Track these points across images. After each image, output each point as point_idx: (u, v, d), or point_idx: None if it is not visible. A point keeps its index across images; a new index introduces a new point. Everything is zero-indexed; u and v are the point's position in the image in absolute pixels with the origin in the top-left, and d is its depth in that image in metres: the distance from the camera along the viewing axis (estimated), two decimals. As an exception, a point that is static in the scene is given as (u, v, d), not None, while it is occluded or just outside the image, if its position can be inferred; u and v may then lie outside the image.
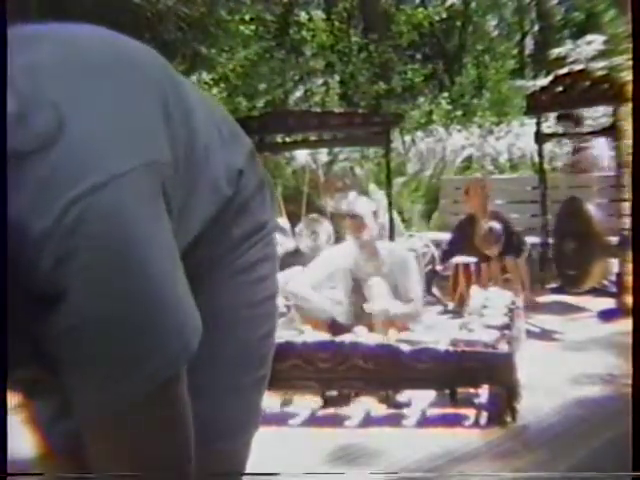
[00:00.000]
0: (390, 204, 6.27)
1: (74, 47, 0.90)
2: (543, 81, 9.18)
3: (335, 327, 4.07)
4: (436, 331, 3.91)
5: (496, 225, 5.81)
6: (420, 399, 3.59)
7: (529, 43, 16.68)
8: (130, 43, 0.99)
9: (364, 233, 4.20)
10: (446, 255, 6.24)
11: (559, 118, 7.33)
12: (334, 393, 3.66)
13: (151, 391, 0.85)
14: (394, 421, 3.45)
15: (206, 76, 10.82)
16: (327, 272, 4.19)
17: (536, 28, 16.56)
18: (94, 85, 0.86)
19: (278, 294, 1.21)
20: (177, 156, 0.92)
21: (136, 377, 0.83)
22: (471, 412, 3.48)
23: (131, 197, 0.81)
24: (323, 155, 9.48)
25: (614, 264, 5.69)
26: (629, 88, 4.28)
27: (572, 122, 7.11)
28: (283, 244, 6.36)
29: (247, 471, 1.17)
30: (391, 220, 6.17)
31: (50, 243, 0.77)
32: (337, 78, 13.36)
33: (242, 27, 10.88)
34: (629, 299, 4.51)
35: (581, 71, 7.07)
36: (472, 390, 3.61)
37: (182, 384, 0.90)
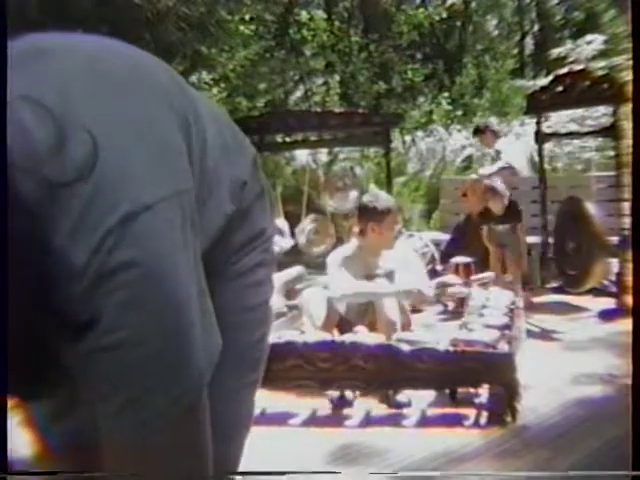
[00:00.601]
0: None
1: (101, 66, 0.90)
2: (543, 81, 9.19)
3: (343, 324, 4.06)
4: (436, 331, 3.92)
5: (496, 182, 5.93)
6: (420, 398, 3.59)
7: (529, 43, 16.68)
8: (149, 61, 0.99)
9: (397, 228, 4.16)
10: (446, 255, 6.25)
11: (475, 132, 7.45)
12: (337, 394, 3.66)
13: (176, 413, 0.86)
14: (394, 421, 3.45)
15: (206, 76, 10.82)
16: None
17: (536, 28, 16.56)
18: (122, 108, 0.87)
19: (272, 299, 1.22)
20: (194, 178, 0.94)
21: (162, 400, 0.85)
22: (471, 412, 3.48)
23: (161, 225, 0.83)
24: (323, 155, 9.49)
25: (614, 264, 5.69)
26: (629, 88, 4.27)
27: (487, 134, 7.16)
28: (283, 244, 6.36)
29: (245, 471, 1.18)
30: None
31: (87, 273, 0.79)
32: (337, 78, 13.36)
33: (242, 27, 10.88)
34: (629, 299, 4.51)
35: (581, 71, 7.05)
36: (472, 390, 3.61)
37: (204, 406, 0.91)
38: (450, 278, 4.71)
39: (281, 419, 3.44)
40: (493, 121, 8.45)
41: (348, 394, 3.66)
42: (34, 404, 1.11)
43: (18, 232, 0.78)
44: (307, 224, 7.41)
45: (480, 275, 5.08)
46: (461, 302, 4.55)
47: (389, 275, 4.08)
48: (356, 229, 4.31)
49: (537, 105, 6.58)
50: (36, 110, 0.80)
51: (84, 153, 0.80)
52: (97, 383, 0.84)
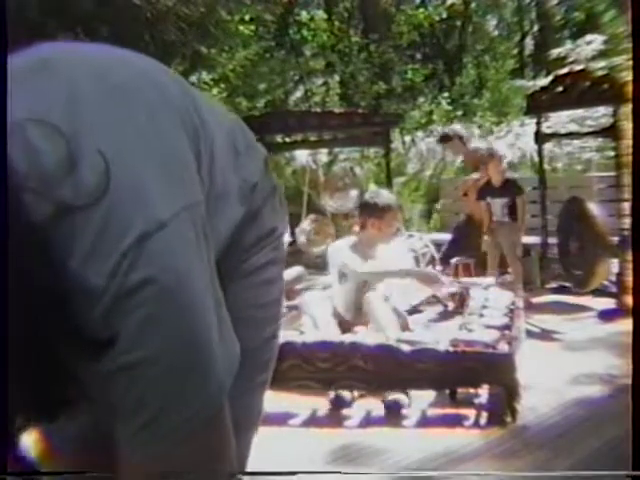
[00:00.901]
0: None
1: (108, 78, 0.89)
2: (543, 81, 9.19)
3: (342, 324, 4.07)
4: (436, 331, 3.92)
5: (495, 145, 5.99)
6: (419, 398, 3.59)
7: (529, 43, 16.69)
8: (158, 71, 0.99)
9: (395, 224, 4.23)
10: (446, 255, 6.25)
11: (441, 139, 7.45)
12: (336, 395, 3.66)
13: (196, 427, 0.86)
14: (394, 421, 3.45)
15: (206, 76, 10.82)
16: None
17: (536, 28, 16.57)
18: (132, 124, 0.86)
19: (283, 298, 1.22)
20: (202, 186, 0.94)
21: (182, 415, 0.84)
22: (471, 412, 3.48)
23: (175, 241, 0.83)
24: (323, 155, 9.49)
25: (614, 264, 5.69)
26: (629, 88, 4.27)
27: (455, 141, 7.17)
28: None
29: (252, 471, 1.18)
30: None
31: (105, 296, 0.79)
32: (337, 78, 13.37)
33: (242, 27, 10.89)
34: (629, 299, 4.51)
35: (581, 71, 7.06)
36: (472, 390, 3.61)
37: (224, 416, 0.91)
38: (443, 276, 4.74)
39: (281, 419, 3.44)
40: (459, 127, 8.40)
41: (348, 394, 3.66)
42: (50, 426, 1.11)
43: (33, 255, 0.78)
44: (307, 224, 7.41)
45: (479, 279, 5.08)
46: (461, 302, 4.56)
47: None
48: (357, 224, 4.47)
49: (537, 105, 6.58)
50: (44, 130, 0.80)
51: (96, 175, 0.80)
52: (116, 403, 0.84)
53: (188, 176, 0.89)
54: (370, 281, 4.09)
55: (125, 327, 0.80)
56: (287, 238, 6.71)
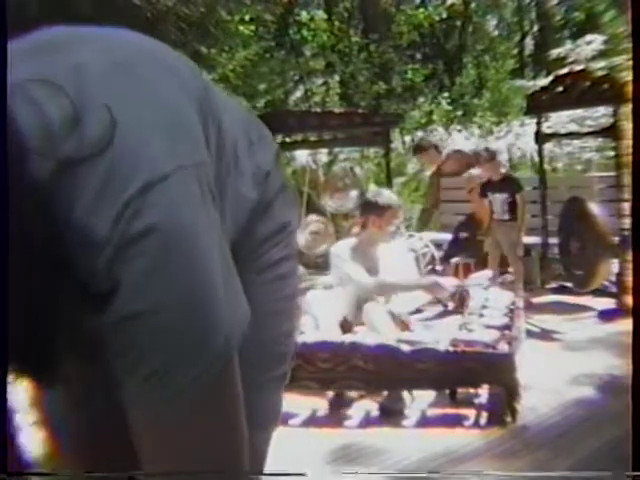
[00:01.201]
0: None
1: (117, 50, 0.91)
2: (543, 81, 9.19)
3: (343, 324, 4.07)
4: (436, 331, 3.91)
5: (492, 145, 5.97)
6: (420, 398, 3.59)
7: (529, 43, 16.69)
8: (164, 47, 1.00)
9: (396, 223, 4.25)
10: (446, 255, 6.25)
11: (415, 150, 7.44)
12: (336, 395, 3.66)
13: (204, 381, 0.85)
14: (394, 421, 3.45)
15: (206, 76, 10.81)
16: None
17: (536, 28, 16.57)
18: (138, 85, 0.88)
19: (299, 293, 1.22)
20: (211, 158, 0.94)
21: (187, 368, 0.84)
22: (471, 412, 3.48)
23: (179, 193, 0.84)
24: (323, 155, 9.48)
25: (614, 264, 5.69)
26: (629, 88, 4.27)
27: (430, 151, 7.18)
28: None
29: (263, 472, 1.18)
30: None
31: (108, 245, 0.80)
32: (337, 78, 13.37)
33: (242, 27, 10.89)
34: (629, 299, 4.51)
35: (581, 71, 7.05)
36: (472, 390, 3.61)
37: (233, 372, 0.90)
38: (444, 280, 4.74)
39: (281, 419, 3.43)
40: (434, 136, 8.36)
41: (348, 394, 3.66)
42: (51, 390, 1.10)
43: (35, 214, 0.78)
44: (307, 224, 7.40)
45: (477, 274, 5.09)
46: (461, 302, 4.55)
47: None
48: (359, 223, 4.51)
49: (537, 105, 6.57)
50: (49, 90, 0.81)
51: (101, 128, 0.81)
52: (121, 354, 0.83)
53: (193, 138, 0.90)
54: (375, 294, 4.08)
55: (128, 276, 0.80)
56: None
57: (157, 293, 0.81)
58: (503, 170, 6.07)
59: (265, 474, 1.18)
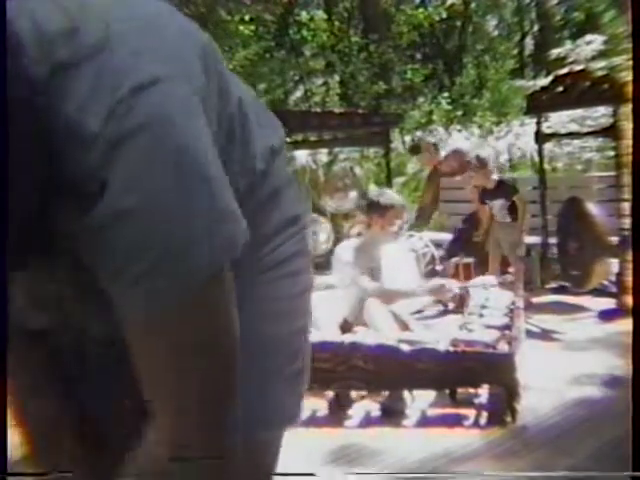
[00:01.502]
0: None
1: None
2: (543, 81, 9.18)
3: (344, 325, 4.07)
4: (436, 331, 3.91)
5: (482, 152, 5.95)
6: (420, 398, 3.59)
7: (529, 43, 16.70)
8: (179, 13, 1.00)
9: (398, 223, 4.25)
10: (447, 255, 6.25)
11: (412, 150, 7.39)
12: (336, 395, 3.66)
13: (194, 289, 0.84)
14: (393, 421, 3.45)
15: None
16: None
17: (536, 28, 16.58)
18: (141, 16, 0.89)
19: (312, 289, 1.19)
20: (212, 105, 0.92)
21: (180, 269, 0.83)
22: (471, 412, 3.48)
23: (172, 96, 0.84)
24: (323, 155, 9.48)
25: (614, 264, 5.69)
26: (629, 88, 4.27)
27: (424, 153, 7.16)
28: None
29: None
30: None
31: (98, 141, 0.80)
32: (337, 78, 13.37)
33: (242, 27, 10.89)
34: (629, 299, 4.51)
35: (581, 71, 7.05)
36: (472, 390, 3.61)
37: (226, 291, 0.89)
38: (448, 281, 4.74)
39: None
40: (430, 136, 8.30)
41: (348, 394, 3.65)
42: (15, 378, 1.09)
43: (26, 111, 0.79)
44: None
45: (479, 279, 5.08)
46: (461, 302, 4.55)
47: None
48: (363, 223, 4.59)
49: (537, 105, 6.57)
50: (51, 4, 0.82)
51: (96, 36, 0.82)
52: (110, 255, 0.83)
53: (193, 66, 0.89)
54: (380, 299, 4.08)
55: (117, 173, 0.80)
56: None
57: (146, 191, 0.81)
58: (495, 177, 6.02)
59: (274, 474, 1.17)
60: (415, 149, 7.37)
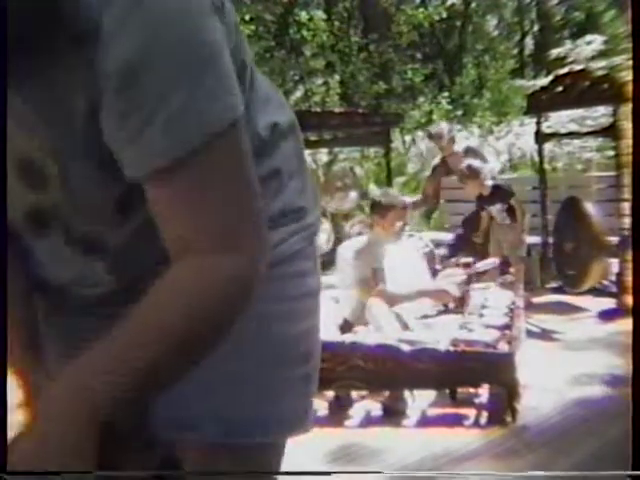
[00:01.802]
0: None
1: None
2: (543, 81, 9.18)
3: (345, 325, 4.07)
4: (436, 331, 3.91)
5: (474, 162, 5.91)
6: (420, 398, 3.59)
7: (529, 43, 16.70)
8: None
9: (400, 223, 4.24)
10: (447, 254, 6.24)
11: (431, 136, 7.34)
12: (336, 395, 3.66)
13: (211, 138, 0.84)
14: (394, 421, 3.45)
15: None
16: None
17: (536, 28, 16.58)
18: None
19: (320, 291, 1.16)
20: (228, 28, 0.91)
21: (205, 112, 0.83)
22: (471, 412, 3.48)
23: None
24: (323, 155, 9.48)
25: (614, 264, 5.69)
26: (629, 88, 4.27)
27: (446, 139, 7.11)
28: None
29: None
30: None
31: None
32: (337, 78, 13.36)
33: (242, 27, 10.86)
34: (629, 299, 4.51)
35: (581, 71, 7.05)
36: (472, 390, 3.61)
37: (242, 138, 0.88)
38: (454, 271, 4.76)
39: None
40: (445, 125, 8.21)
41: (348, 394, 3.65)
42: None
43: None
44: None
45: (483, 261, 5.09)
46: (461, 302, 4.55)
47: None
48: (367, 223, 4.65)
49: (537, 105, 6.57)
50: None
51: None
52: (138, 102, 0.81)
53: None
54: (384, 301, 4.07)
55: (110, 14, 0.79)
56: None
57: (159, 38, 0.80)
58: (490, 183, 5.99)
59: (287, 473, 1.14)
60: (434, 135, 7.30)
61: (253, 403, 1.04)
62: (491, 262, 5.01)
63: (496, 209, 5.91)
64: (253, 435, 1.04)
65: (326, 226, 7.16)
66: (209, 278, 0.86)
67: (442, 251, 6.35)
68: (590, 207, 5.85)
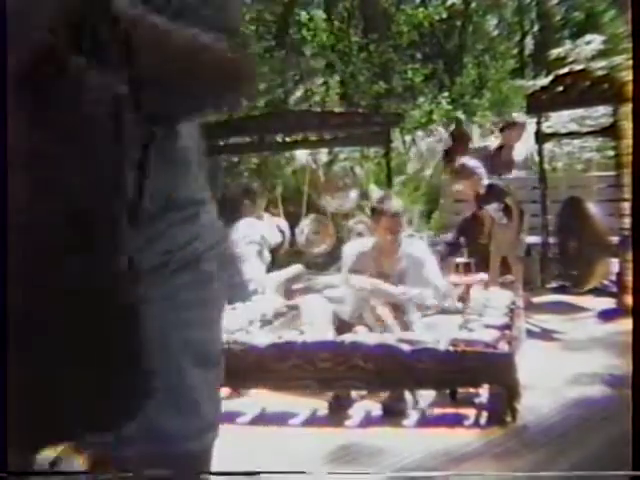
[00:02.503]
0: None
1: None
2: (543, 81, 9.18)
3: (340, 325, 4.06)
4: (436, 331, 3.91)
5: (468, 161, 5.90)
6: (420, 398, 3.59)
7: (529, 43, 16.69)
8: None
9: (399, 230, 4.23)
10: (447, 254, 6.24)
11: (454, 134, 7.30)
12: (336, 395, 3.66)
13: None
14: (394, 421, 3.44)
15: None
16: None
17: (536, 28, 16.57)
18: None
19: (223, 299, 1.14)
20: None
21: None
22: (471, 412, 3.48)
23: None
24: (323, 155, 9.47)
25: (614, 264, 5.69)
26: (629, 88, 4.27)
27: (466, 138, 7.10)
28: (283, 243, 6.37)
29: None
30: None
31: None
32: (337, 78, 13.34)
33: (242, 27, 10.87)
34: (629, 299, 4.50)
35: (581, 71, 7.06)
36: (472, 390, 3.61)
37: None
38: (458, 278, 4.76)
39: (281, 419, 3.44)
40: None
41: (348, 394, 3.65)
42: None
43: None
44: (307, 224, 7.40)
45: (472, 277, 5.07)
46: (461, 302, 4.55)
47: (401, 276, 4.12)
48: (365, 223, 4.53)
49: (537, 105, 6.57)
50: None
51: None
52: None
53: None
54: (385, 299, 4.07)
55: None
56: (289, 241, 6.70)
57: None
58: (485, 181, 5.99)
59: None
60: (456, 134, 7.27)
61: (160, 411, 0.98)
62: (479, 278, 4.99)
63: (492, 208, 5.91)
64: (166, 444, 1.02)
65: (326, 226, 7.17)
66: None
67: (441, 251, 6.36)
68: (591, 207, 5.85)
